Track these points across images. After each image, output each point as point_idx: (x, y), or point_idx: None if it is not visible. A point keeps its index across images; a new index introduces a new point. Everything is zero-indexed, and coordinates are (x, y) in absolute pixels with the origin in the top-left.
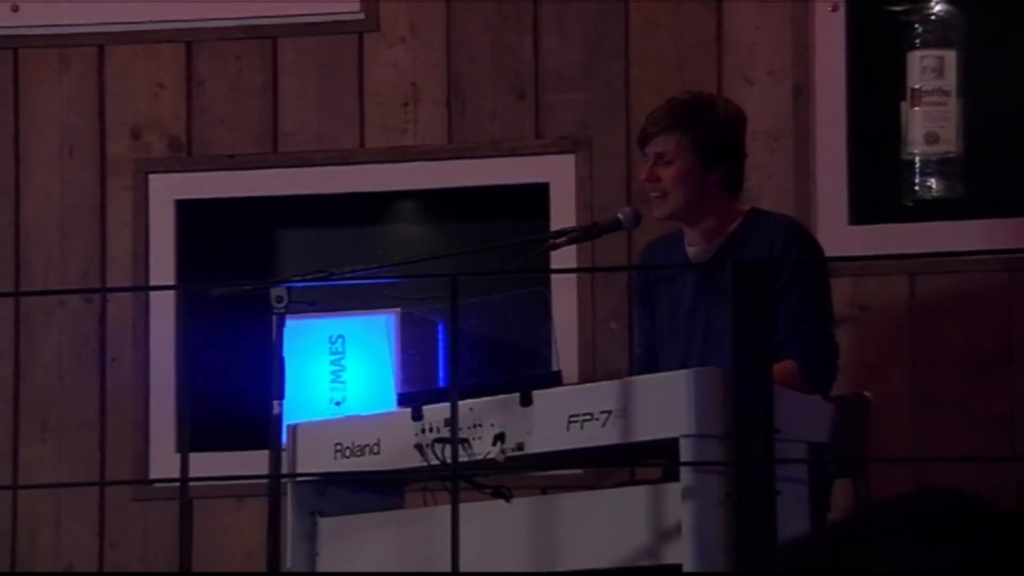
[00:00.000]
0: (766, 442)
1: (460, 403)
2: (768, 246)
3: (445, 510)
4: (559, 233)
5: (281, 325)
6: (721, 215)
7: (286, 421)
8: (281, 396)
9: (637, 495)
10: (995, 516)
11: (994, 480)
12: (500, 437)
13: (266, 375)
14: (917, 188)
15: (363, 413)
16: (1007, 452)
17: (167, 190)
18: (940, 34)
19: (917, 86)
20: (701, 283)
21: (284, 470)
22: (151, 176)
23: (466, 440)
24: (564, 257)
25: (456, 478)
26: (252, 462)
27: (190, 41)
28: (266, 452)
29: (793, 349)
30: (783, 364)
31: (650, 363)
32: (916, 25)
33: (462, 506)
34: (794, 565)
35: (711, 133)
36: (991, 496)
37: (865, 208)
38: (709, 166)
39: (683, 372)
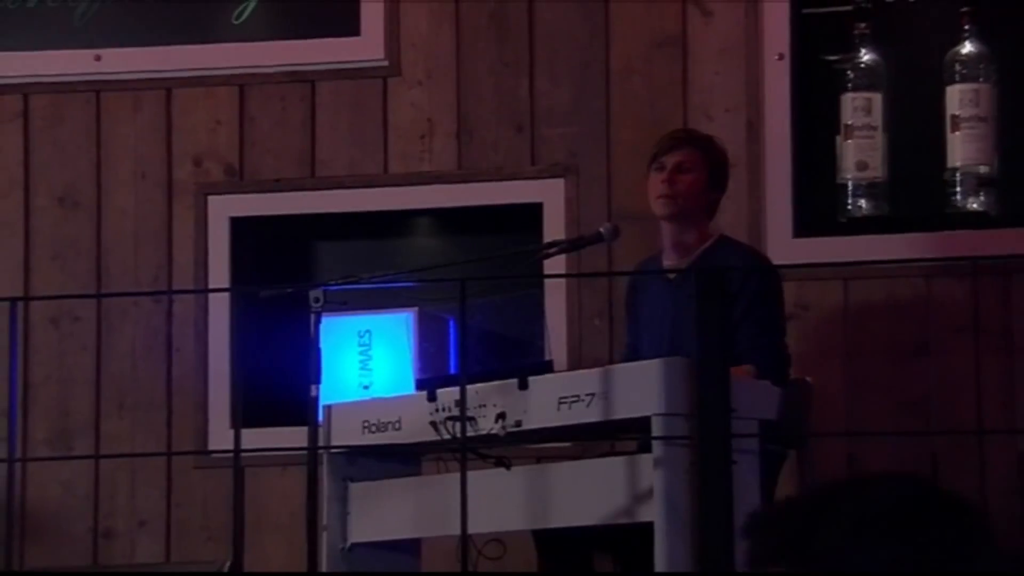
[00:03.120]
0: (723, 420)
1: (468, 387)
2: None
3: (455, 477)
4: (551, 245)
5: (318, 321)
6: (699, 233)
7: (322, 402)
8: (318, 381)
9: (616, 464)
10: (952, 504)
11: (914, 452)
12: (501, 416)
13: (305, 363)
14: (849, 207)
15: (386, 395)
16: (924, 428)
17: (223, 209)
18: (868, 79)
19: (849, 122)
20: (673, 293)
21: (320, 443)
22: (210, 197)
23: (473, 418)
24: (555, 265)
25: (464, 450)
26: (294, 436)
27: (243, 84)
28: (305, 428)
29: (753, 358)
30: (745, 367)
31: (632, 357)
32: (848, 72)
33: (469, 473)
34: (766, 543)
35: (717, 159)
36: (911, 466)
37: (806, 223)
38: (714, 185)
39: (655, 361)
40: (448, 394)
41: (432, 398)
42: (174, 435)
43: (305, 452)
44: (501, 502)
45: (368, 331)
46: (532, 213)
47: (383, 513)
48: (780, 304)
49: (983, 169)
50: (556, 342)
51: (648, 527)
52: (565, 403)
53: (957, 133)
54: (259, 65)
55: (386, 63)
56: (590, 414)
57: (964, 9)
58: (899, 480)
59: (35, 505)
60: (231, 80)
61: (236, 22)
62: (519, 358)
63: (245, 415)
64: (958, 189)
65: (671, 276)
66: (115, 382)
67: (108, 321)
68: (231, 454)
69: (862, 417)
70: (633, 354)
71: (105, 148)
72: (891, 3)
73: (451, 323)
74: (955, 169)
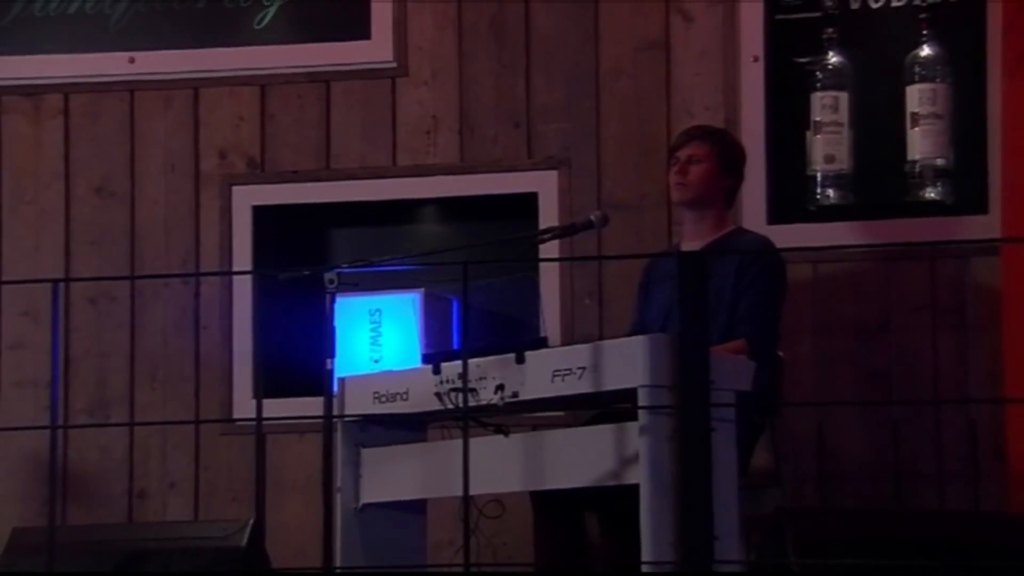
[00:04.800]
0: (703, 391)
1: (469, 361)
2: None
3: (458, 443)
4: (545, 231)
5: (333, 301)
6: (716, 219)
7: (336, 375)
8: (333, 355)
9: (605, 431)
10: None
11: (876, 420)
12: (500, 387)
13: (320, 339)
14: (819, 196)
15: (395, 369)
16: (886, 398)
17: (246, 198)
18: (835, 80)
19: (818, 119)
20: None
21: (335, 412)
22: (234, 187)
23: (474, 389)
24: (549, 249)
25: (466, 418)
26: (310, 406)
27: (264, 84)
28: (321, 398)
29: (745, 329)
30: (737, 341)
31: (638, 333)
32: (817, 73)
33: (471, 440)
34: None
35: (729, 150)
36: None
37: (779, 211)
38: (725, 173)
39: (640, 337)
40: (451, 367)
41: (437, 371)
42: (201, 405)
43: (321, 420)
44: (500, 466)
45: (378, 310)
46: (528, 202)
47: (392, 476)
48: (780, 289)
49: (940, 162)
50: (550, 320)
51: (634, 489)
52: (559, 376)
53: (916, 129)
54: (279, 66)
55: (394, 64)
56: (581, 386)
57: (922, 16)
58: None
59: (76, 468)
60: (253, 80)
61: (258, 27)
62: (516, 334)
63: (266, 386)
64: (917, 180)
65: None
66: (148, 356)
67: (141, 301)
68: (253, 422)
69: (830, 388)
70: (639, 330)
71: (138, 142)
72: (856, 10)
73: (454, 303)
74: (914, 162)
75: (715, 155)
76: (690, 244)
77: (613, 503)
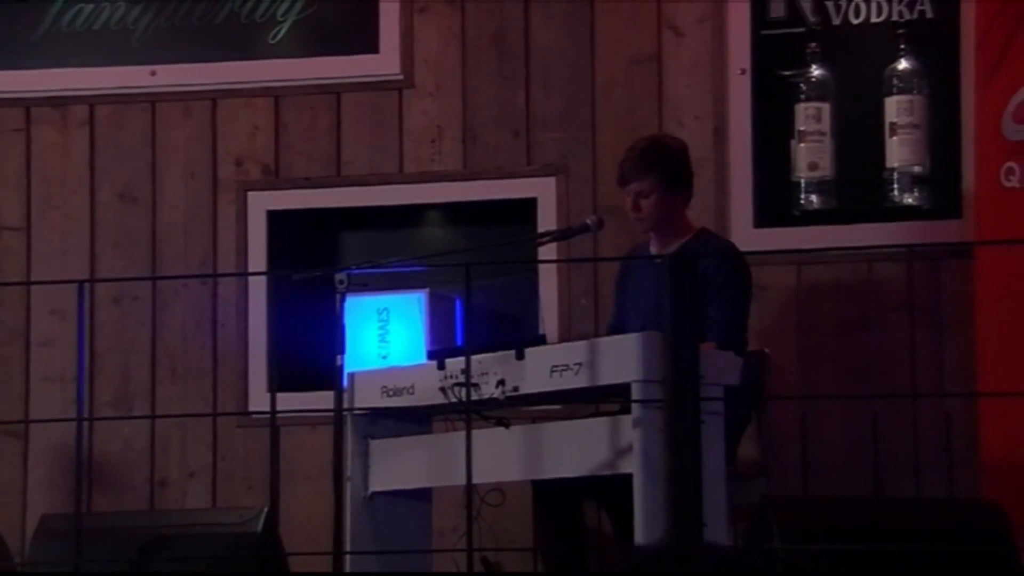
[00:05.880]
0: (693, 385)
1: (472, 357)
2: (701, 260)
3: (461, 435)
4: (544, 234)
5: (343, 301)
6: (679, 228)
7: (346, 370)
8: (343, 352)
9: (601, 424)
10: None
11: (857, 412)
12: (501, 382)
13: (331, 337)
14: (802, 202)
15: (402, 364)
16: (866, 392)
17: (261, 203)
18: (818, 92)
19: (802, 128)
20: (655, 278)
21: (345, 406)
22: (249, 193)
23: (476, 384)
24: (548, 252)
25: (469, 412)
26: (322, 399)
27: (278, 96)
28: (332, 392)
29: (717, 335)
30: (707, 343)
31: (617, 330)
32: (801, 85)
33: (473, 432)
34: None
35: (671, 167)
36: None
37: (765, 216)
38: (673, 190)
39: (634, 335)
40: (455, 363)
41: (441, 367)
42: (219, 398)
43: (332, 413)
44: (501, 456)
45: (386, 309)
46: (528, 207)
47: (399, 466)
48: (746, 291)
49: (917, 169)
50: (548, 318)
51: (628, 478)
52: (556, 371)
53: (894, 138)
54: (292, 79)
55: (401, 77)
56: (578, 380)
57: (900, 31)
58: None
59: (100, 458)
60: (268, 92)
61: (272, 42)
62: (516, 332)
63: (280, 381)
64: (895, 186)
65: (658, 262)
66: (168, 353)
67: (162, 300)
68: (268, 415)
69: (813, 383)
70: (619, 328)
71: (159, 151)
72: (838, 26)
73: (457, 302)
74: (893, 169)
75: (660, 183)
76: (658, 248)
77: (608, 491)
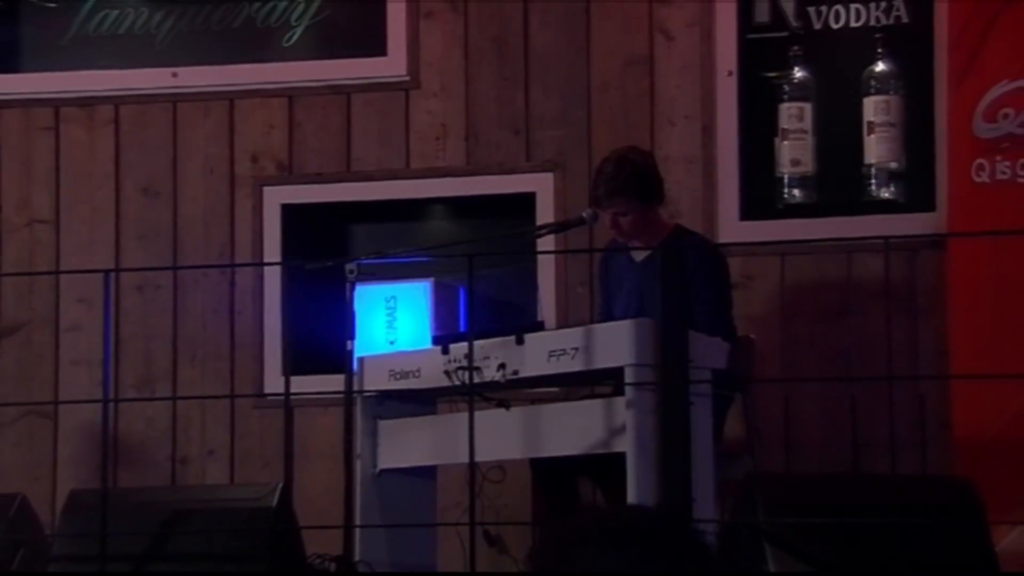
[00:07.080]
0: (683, 368)
1: (475, 342)
2: (685, 255)
3: (464, 415)
4: (542, 227)
5: (353, 289)
6: (656, 230)
7: (356, 355)
8: (353, 337)
9: (596, 405)
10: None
11: (837, 395)
12: (502, 366)
13: (342, 323)
14: (786, 196)
15: (408, 349)
16: (846, 375)
17: (275, 198)
18: (801, 92)
19: (785, 127)
20: (639, 271)
21: (355, 388)
22: (264, 188)
23: (479, 368)
24: (546, 243)
25: (472, 394)
26: (333, 382)
27: (291, 96)
28: (343, 375)
29: (706, 329)
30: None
31: (606, 319)
32: (784, 86)
33: (476, 412)
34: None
35: (641, 183)
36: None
37: (750, 209)
38: (648, 202)
39: (627, 321)
40: (458, 348)
41: (445, 351)
42: (236, 381)
43: (342, 395)
44: (502, 436)
45: (393, 297)
46: (527, 201)
47: (406, 445)
48: (727, 284)
49: (893, 165)
50: (547, 306)
51: (621, 456)
52: (554, 355)
53: (872, 136)
54: (305, 80)
55: (408, 78)
56: (575, 364)
57: (877, 35)
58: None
59: (125, 437)
60: (282, 92)
61: (286, 45)
62: (516, 319)
63: (293, 365)
64: (873, 181)
65: (640, 260)
66: (188, 338)
67: (183, 289)
68: (282, 396)
69: (796, 367)
70: (607, 316)
71: (180, 148)
72: (819, 30)
73: (461, 291)
74: (871, 165)
75: (635, 202)
76: (640, 251)
77: (602, 469)
